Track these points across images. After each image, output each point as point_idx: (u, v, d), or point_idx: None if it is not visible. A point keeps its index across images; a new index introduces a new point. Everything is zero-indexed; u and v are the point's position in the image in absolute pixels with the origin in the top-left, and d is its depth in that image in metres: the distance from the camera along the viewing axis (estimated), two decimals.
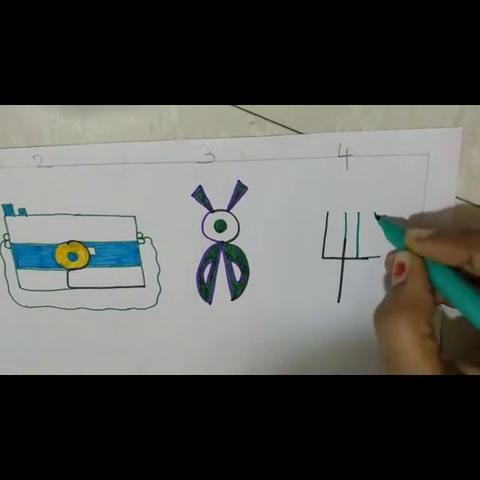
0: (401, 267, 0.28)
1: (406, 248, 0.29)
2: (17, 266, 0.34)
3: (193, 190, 0.32)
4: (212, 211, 0.33)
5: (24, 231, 0.33)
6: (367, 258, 0.33)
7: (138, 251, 0.34)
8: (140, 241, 0.33)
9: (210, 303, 0.35)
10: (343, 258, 0.33)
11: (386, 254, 0.32)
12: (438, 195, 0.31)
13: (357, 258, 0.33)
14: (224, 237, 0.33)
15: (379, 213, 0.32)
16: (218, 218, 0.33)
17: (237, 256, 0.34)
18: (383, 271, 0.33)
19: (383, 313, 0.27)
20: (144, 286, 0.34)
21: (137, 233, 0.33)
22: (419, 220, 0.32)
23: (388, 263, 0.31)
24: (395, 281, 0.28)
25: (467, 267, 0.26)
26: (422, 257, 0.28)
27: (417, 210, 0.32)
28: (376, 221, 0.32)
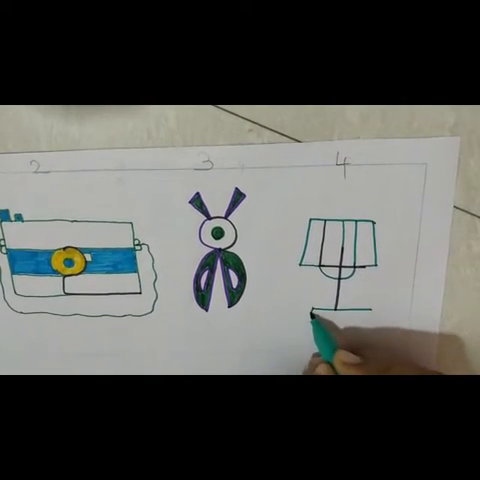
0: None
1: (327, 361, 0.32)
2: (13, 272, 0.34)
3: (191, 197, 0.32)
4: (209, 218, 0.33)
5: (20, 237, 0.33)
6: (364, 266, 0.33)
7: (135, 258, 0.33)
8: (137, 248, 0.33)
9: (207, 310, 0.35)
10: (340, 266, 0.33)
11: (383, 263, 0.33)
12: (436, 204, 0.32)
13: (354, 266, 0.33)
14: (221, 244, 0.33)
15: (376, 221, 0.32)
16: (215, 225, 0.33)
17: (234, 263, 0.34)
18: (379, 280, 0.33)
19: None
20: (140, 293, 0.34)
21: (134, 240, 0.33)
22: (416, 229, 0.32)
23: (311, 364, 0.35)
24: None
25: None
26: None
27: (415, 219, 0.32)
28: (373, 229, 0.32)
